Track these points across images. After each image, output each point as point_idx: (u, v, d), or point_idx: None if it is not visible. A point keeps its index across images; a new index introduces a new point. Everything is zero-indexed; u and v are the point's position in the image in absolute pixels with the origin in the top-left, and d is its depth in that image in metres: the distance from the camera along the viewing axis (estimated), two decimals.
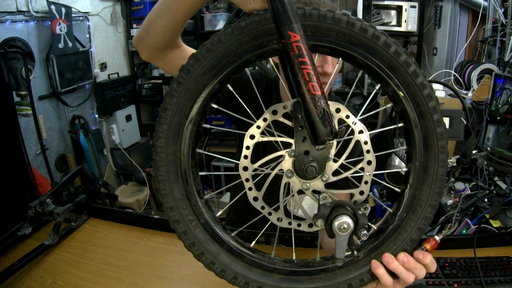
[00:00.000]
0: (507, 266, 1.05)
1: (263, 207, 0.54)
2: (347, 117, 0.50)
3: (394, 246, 0.52)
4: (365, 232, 0.48)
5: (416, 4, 3.08)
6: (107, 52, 3.38)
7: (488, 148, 1.04)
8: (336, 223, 0.47)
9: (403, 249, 0.53)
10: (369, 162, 0.50)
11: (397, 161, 0.91)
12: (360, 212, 0.48)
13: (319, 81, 0.46)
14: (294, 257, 0.57)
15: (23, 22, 2.47)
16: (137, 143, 3.67)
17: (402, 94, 0.47)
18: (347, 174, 0.52)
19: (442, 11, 3.07)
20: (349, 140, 0.51)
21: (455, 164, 0.90)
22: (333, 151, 0.50)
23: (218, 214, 0.57)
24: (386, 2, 3.14)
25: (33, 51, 2.40)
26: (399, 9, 3.14)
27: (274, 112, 0.51)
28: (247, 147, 0.52)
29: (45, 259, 1.16)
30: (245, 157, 0.52)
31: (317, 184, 0.51)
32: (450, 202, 1.90)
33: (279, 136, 0.52)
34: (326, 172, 0.51)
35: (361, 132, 0.50)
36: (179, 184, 0.53)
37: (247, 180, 0.53)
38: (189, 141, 0.52)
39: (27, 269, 1.10)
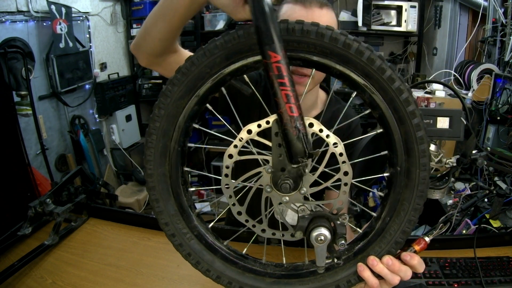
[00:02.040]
0: (507, 266, 1.05)
1: (247, 220, 0.56)
2: (321, 131, 0.51)
3: (379, 249, 0.53)
4: (343, 242, 0.50)
5: (416, 4, 3.08)
6: (107, 52, 3.38)
7: (488, 148, 1.04)
8: (313, 235, 0.48)
9: (388, 252, 0.54)
10: (345, 173, 0.51)
11: None
12: (338, 222, 0.49)
13: (297, 102, 0.46)
14: (284, 261, 0.59)
15: (23, 22, 2.47)
16: (137, 143, 3.67)
17: (379, 100, 0.47)
18: (326, 185, 0.53)
19: (442, 11, 3.07)
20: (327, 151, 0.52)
21: (455, 164, 0.90)
22: (309, 168, 0.51)
23: (218, 218, 0.59)
24: (386, 2, 3.14)
25: (33, 51, 2.41)
26: (399, 9, 3.14)
27: (249, 132, 0.52)
28: (227, 167, 0.53)
29: (45, 259, 1.16)
30: (226, 175, 0.54)
31: (296, 197, 0.52)
32: (450, 202, 1.90)
33: (259, 153, 0.53)
34: (304, 186, 0.51)
35: (335, 144, 0.50)
36: (171, 201, 0.56)
37: (230, 196, 0.55)
38: (176, 161, 0.55)
39: (27, 269, 1.10)
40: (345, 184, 0.51)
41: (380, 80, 0.46)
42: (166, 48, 0.75)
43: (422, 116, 0.47)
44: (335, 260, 0.54)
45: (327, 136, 0.51)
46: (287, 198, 0.52)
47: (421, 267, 0.57)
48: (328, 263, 0.53)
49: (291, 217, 0.54)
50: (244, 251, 0.60)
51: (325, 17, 0.90)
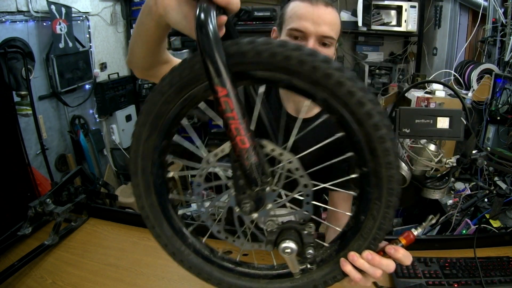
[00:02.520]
0: (507, 266, 1.05)
1: (226, 237, 0.60)
2: (273, 150, 0.51)
3: (358, 246, 0.56)
4: (311, 251, 0.53)
5: (416, 4, 3.08)
6: (107, 52, 3.38)
7: (488, 148, 1.04)
8: (281, 247, 0.51)
9: (368, 247, 0.56)
10: (305, 185, 0.53)
11: None
12: (305, 232, 0.52)
13: (249, 132, 0.46)
14: (274, 263, 0.64)
15: (23, 22, 2.47)
16: None
17: (334, 106, 0.47)
18: (288, 198, 0.55)
19: (442, 11, 3.07)
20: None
21: (455, 164, 0.90)
22: (268, 189, 0.53)
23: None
24: (386, 2, 3.14)
25: (33, 51, 2.41)
26: (399, 9, 3.14)
27: (208, 161, 0.56)
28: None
29: (45, 259, 1.16)
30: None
31: (262, 213, 0.54)
32: (450, 202, 1.90)
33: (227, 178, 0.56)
34: (267, 203, 0.54)
35: (290, 161, 0.52)
36: (166, 225, 0.62)
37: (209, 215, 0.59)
38: (161, 191, 0.59)
39: (27, 269, 1.10)
40: (307, 195, 0.53)
41: (329, 87, 0.45)
42: (153, 62, 0.76)
43: (384, 114, 0.46)
44: (308, 266, 0.57)
45: (280, 154, 0.52)
46: (255, 215, 0.54)
47: (407, 259, 0.59)
48: (303, 268, 0.57)
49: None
50: (237, 258, 0.65)
51: (329, 15, 0.93)
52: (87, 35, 3.07)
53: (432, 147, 0.90)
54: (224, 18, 0.48)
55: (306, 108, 1.14)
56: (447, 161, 0.89)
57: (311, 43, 0.92)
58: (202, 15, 0.43)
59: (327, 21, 0.92)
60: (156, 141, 0.55)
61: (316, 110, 1.11)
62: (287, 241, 0.51)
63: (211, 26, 0.43)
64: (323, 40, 0.93)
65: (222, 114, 0.45)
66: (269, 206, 0.54)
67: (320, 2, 0.93)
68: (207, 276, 0.64)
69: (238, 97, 0.45)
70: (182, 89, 0.51)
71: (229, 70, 0.44)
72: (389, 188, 0.49)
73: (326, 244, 0.59)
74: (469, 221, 1.54)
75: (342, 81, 0.45)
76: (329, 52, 0.96)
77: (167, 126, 0.54)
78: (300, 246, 0.52)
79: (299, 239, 0.52)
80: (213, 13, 0.44)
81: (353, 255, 0.56)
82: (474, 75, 2.39)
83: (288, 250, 0.51)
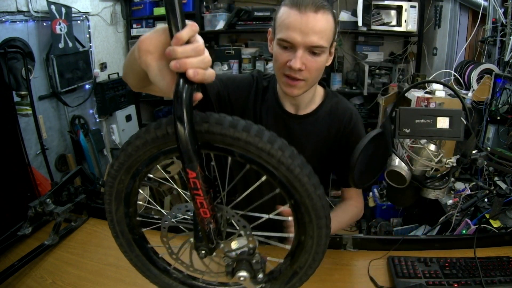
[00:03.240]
0: (507, 266, 1.06)
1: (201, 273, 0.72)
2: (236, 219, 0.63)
3: (305, 260, 0.65)
4: (261, 276, 0.64)
5: (416, 4, 3.08)
6: (107, 52, 3.38)
7: (488, 148, 1.04)
8: (237, 276, 0.63)
9: (313, 259, 0.65)
10: (244, 226, 0.63)
11: (397, 161, 0.91)
12: (254, 261, 0.63)
13: (210, 204, 0.56)
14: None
15: (23, 22, 2.47)
16: None
17: (253, 157, 0.55)
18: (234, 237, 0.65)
19: (442, 11, 3.07)
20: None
21: (455, 164, 0.90)
22: (222, 246, 0.64)
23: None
24: (386, 2, 3.14)
25: (33, 51, 2.41)
26: (399, 9, 3.14)
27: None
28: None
29: (45, 259, 1.16)
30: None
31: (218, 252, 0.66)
32: (450, 202, 1.90)
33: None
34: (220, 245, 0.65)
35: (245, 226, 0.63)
36: (152, 268, 0.76)
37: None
38: (141, 244, 0.74)
39: (27, 269, 1.10)
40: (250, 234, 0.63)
41: (242, 143, 0.53)
42: (145, 85, 0.76)
43: (293, 157, 0.54)
44: (263, 285, 0.67)
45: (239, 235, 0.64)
46: (213, 254, 0.65)
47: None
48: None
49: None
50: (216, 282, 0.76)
51: (319, 22, 0.90)
52: (87, 35, 3.08)
53: (432, 147, 0.90)
54: (199, 95, 0.53)
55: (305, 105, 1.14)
56: (447, 161, 0.89)
57: (300, 53, 0.91)
58: (179, 103, 0.49)
59: (316, 29, 0.89)
60: (124, 210, 0.69)
61: (314, 106, 1.12)
62: (240, 271, 0.63)
63: (185, 118, 0.49)
64: (312, 50, 0.92)
65: (190, 190, 0.54)
66: (221, 245, 0.64)
67: (309, 9, 0.89)
68: None
69: (204, 177, 0.53)
70: (129, 168, 0.64)
71: (198, 157, 0.51)
72: (316, 209, 0.58)
73: (280, 261, 0.69)
74: (469, 221, 1.54)
75: (251, 141, 0.53)
76: (320, 59, 0.94)
77: (128, 196, 0.68)
78: (252, 272, 0.63)
79: (249, 267, 0.63)
80: (189, 93, 0.50)
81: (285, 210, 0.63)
82: (474, 75, 2.39)
83: (242, 278, 0.63)
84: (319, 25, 0.90)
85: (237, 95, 1.08)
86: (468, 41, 2.79)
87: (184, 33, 0.48)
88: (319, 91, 1.14)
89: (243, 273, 0.63)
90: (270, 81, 1.13)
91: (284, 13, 0.92)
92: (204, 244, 0.63)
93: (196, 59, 0.49)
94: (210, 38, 3.69)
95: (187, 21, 0.50)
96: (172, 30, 0.49)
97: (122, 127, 3.45)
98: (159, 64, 0.52)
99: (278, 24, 0.94)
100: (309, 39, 0.89)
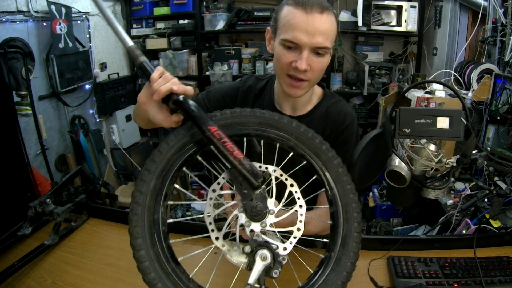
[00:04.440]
0: (507, 266, 1.06)
1: (223, 245, 0.68)
2: (281, 175, 0.70)
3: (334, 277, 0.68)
4: (277, 271, 0.62)
5: (416, 4, 3.08)
6: (107, 52, 3.38)
7: (488, 148, 1.04)
8: (260, 251, 0.62)
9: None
10: (300, 206, 0.69)
11: (397, 161, 0.91)
12: (279, 258, 0.63)
13: (239, 149, 0.66)
14: None
15: (23, 22, 2.47)
16: (137, 143, 3.67)
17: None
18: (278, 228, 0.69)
19: (442, 11, 3.07)
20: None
21: (455, 164, 0.90)
22: (265, 190, 0.68)
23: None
24: (386, 2, 3.14)
25: (33, 51, 2.41)
26: (399, 9, 3.14)
27: (214, 190, 0.69)
28: (210, 198, 0.69)
29: (45, 259, 1.16)
30: (210, 205, 0.70)
31: (256, 226, 0.67)
32: (450, 202, 1.90)
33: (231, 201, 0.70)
34: (266, 221, 0.67)
35: (292, 185, 0.70)
36: (168, 280, 0.70)
37: (209, 223, 0.68)
38: (163, 241, 0.69)
39: (27, 269, 1.10)
40: (301, 215, 0.69)
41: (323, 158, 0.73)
42: (151, 123, 0.84)
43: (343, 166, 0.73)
44: (263, 285, 0.64)
45: (286, 179, 0.70)
46: (262, 224, 0.66)
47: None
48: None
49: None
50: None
51: (325, 24, 0.89)
52: (87, 35, 3.08)
53: (432, 147, 0.89)
54: (190, 89, 0.71)
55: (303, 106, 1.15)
56: (447, 161, 0.89)
57: (306, 54, 0.90)
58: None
59: (322, 30, 0.89)
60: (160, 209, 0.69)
61: (310, 107, 1.12)
62: (266, 250, 0.62)
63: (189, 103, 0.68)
64: (317, 50, 0.91)
65: (218, 141, 0.64)
66: (265, 224, 0.66)
67: (315, 9, 0.88)
68: None
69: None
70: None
71: (211, 117, 0.67)
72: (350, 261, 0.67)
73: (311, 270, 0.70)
74: (469, 221, 1.54)
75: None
76: (324, 60, 0.94)
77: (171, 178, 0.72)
78: (272, 261, 0.62)
79: (273, 257, 0.63)
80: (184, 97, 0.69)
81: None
82: (474, 75, 2.39)
83: (264, 256, 0.62)
84: (325, 26, 0.89)
85: (222, 103, 1.12)
86: (468, 41, 2.79)
87: (154, 74, 0.71)
88: (317, 91, 1.14)
89: (268, 254, 0.62)
90: (268, 82, 1.13)
91: (289, 13, 0.91)
92: (251, 187, 0.65)
93: (169, 82, 0.70)
94: (210, 38, 3.69)
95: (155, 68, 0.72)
96: (148, 77, 0.71)
97: (122, 127, 3.45)
98: (152, 107, 0.74)
99: (282, 24, 0.92)
100: (315, 40, 0.89)
